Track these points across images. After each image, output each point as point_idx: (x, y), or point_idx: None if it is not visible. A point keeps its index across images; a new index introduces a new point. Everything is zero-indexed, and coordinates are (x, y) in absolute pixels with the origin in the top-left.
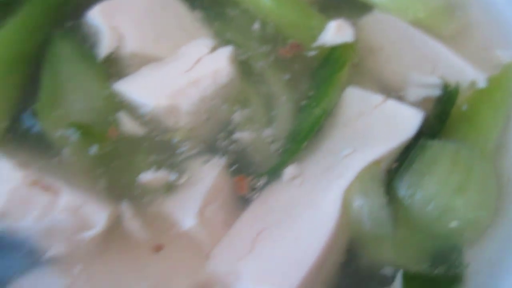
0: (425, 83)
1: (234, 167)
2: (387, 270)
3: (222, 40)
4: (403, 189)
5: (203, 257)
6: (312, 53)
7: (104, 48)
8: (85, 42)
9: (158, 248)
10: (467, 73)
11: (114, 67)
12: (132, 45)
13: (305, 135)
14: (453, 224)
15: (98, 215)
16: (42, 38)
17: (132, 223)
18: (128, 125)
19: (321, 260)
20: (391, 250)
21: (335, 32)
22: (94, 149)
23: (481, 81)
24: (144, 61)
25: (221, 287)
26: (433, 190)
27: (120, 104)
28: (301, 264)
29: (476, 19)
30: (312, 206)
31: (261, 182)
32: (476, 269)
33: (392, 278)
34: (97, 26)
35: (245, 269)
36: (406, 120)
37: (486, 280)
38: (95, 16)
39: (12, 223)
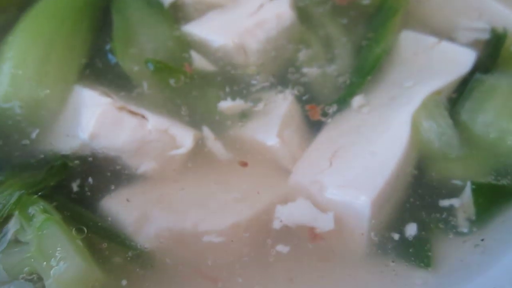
0: (474, 28)
1: (305, 97)
2: (457, 181)
3: None
4: (465, 114)
5: (285, 172)
6: (366, 1)
7: None
8: None
9: (243, 164)
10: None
11: (180, 12)
12: None
13: (368, 70)
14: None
15: (184, 136)
16: None
17: (215, 144)
18: (201, 62)
19: (397, 171)
20: (459, 166)
21: None
22: (172, 82)
23: None
24: (208, 7)
25: (305, 197)
26: (492, 115)
27: (191, 44)
28: (380, 173)
29: None
30: (384, 128)
31: (332, 109)
32: None
33: (462, 187)
34: None
35: (328, 179)
36: (461, 58)
37: None
38: None
39: (105, 142)
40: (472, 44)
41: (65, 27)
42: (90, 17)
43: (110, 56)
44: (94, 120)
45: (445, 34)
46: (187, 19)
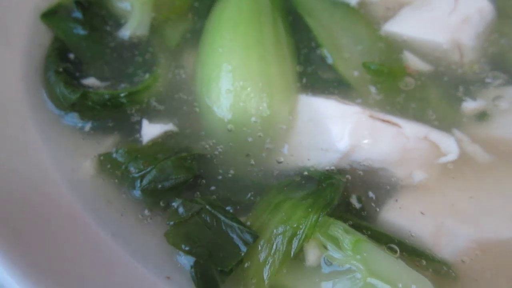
0: None
1: None
2: None
3: None
4: None
5: None
6: None
7: None
8: None
9: None
10: None
11: (369, 11)
12: None
13: None
14: None
15: (447, 142)
16: None
17: (474, 147)
18: (417, 63)
19: None
20: None
21: None
22: (402, 85)
23: None
24: (399, 5)
25: None
26: None
27: (400, 44)
28: None
29: None
30: None
31: None
32: None
33: None
34: None
35: None
36: None
37: None
38: None
39: (367, 154)
40: None
41: (267, 31)
42: (281, 19)
43: (323, 62)
44: (350, 131)
45: None
46: (380, 17)
